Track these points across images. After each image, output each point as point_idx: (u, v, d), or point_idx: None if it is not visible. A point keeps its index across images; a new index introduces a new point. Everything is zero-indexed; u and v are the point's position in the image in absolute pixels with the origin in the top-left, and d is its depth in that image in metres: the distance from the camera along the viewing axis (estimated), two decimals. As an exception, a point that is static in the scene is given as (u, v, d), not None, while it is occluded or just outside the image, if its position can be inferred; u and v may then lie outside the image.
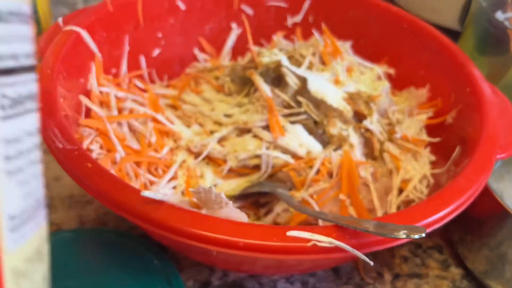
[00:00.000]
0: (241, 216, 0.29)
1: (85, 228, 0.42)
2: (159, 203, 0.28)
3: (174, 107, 0.48)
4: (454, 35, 0.53)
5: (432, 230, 0.30)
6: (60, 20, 0.45)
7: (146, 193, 0.28)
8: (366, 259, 0.28)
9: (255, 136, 0.42)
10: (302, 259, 0.28)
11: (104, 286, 0.37)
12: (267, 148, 0.41)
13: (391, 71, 0.53)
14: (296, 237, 0.27)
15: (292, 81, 0.43)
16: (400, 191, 0.42)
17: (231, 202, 0.28)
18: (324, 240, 0.27)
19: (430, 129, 0.46)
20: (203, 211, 0.29)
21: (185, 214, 0.28)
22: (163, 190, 0.39)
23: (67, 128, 0.33)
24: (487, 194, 0.37)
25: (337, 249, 0.28)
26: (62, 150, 0.32)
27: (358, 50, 0.54)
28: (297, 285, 0.39)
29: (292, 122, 0.41)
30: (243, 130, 0.43)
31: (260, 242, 0.27)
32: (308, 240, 0.27)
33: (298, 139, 0.40)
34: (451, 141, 0.43)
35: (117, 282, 0.37)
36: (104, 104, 0.44)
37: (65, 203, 0.44)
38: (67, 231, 0.41)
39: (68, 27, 0.43)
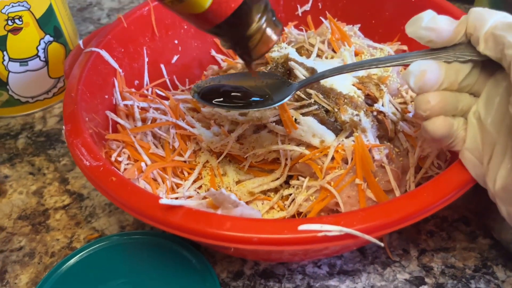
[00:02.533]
0: (255, 213, 0.31)
1: (125, 232, 0.46)
2: (178, 208, 0.31)
3: (195, 110, 0.50)
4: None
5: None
6: (80, 42, 0.49)
7: (163, 201, 0.30)
8: (376, 241, 0.29)
9: (270, 131, 0.43)
10: (315, 248, 0.30)
11: (143, 285, 0.40)
12: (282, 141, 0.42)
13: (405, 47, 0.52)
14: (307, 230, 0.29)
15: (301, 74, 0.44)
16: (419, 168, 0.42)
17: (242, 202, 0.31)
18: (334, 229, 0.29)
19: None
20: (219, 211, 0.32)
21: (201, 216, 0.30)
22: (188, 192, 0.41)
23: (92, 146, 0.36)
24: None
25: (347, 236, 0.29)
26: (89, 167, 0.35)
27: (370, 31, 0.54)
28: (324, 269, 0.41)
29: (304, 114, 0.42)
30: (260, 126, 0.44)
31: (273, 236, 0.29)
32: (318, 231, 0.29)
33: (311, 130, 0.41)
34: (467, 113, 0.43)
35: (155, 280, 0.40)
36: (130, 116, 0.47)
37: (105, 211, 0.48)
38: (110, 236, 0.44)
39: (88, 49, 0.46)
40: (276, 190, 0.44)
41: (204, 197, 0.43)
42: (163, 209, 0.31)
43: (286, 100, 0.38)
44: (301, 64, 0.45)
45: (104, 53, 0.47)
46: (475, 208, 0.44)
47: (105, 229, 0.46)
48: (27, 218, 0.48)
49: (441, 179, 0.32)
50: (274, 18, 0.33)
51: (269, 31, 0.33)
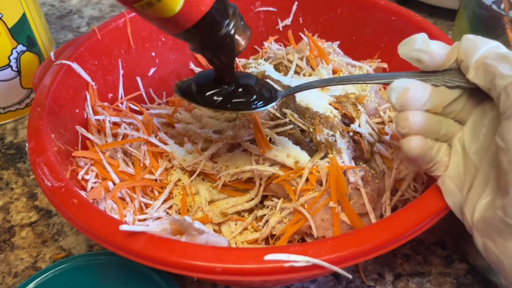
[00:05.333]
0: (221, 241, 0.30)
1: (93, 252, 0.44)
2: (140, 234, 0.30)
3: (170, 125, 0.49)
4: (455, 15, 0.51)
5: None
6: (52, 54, 0.47)
7: (124, 227, 0.29)
8: (344, 273, 0.28)
9: (245, 150, 0.42)
10: (281, 279, 0.29)
11: (113, 308, 0.39)
12: (256, 161, 0.41)
13: (385, 65, 0.52)
14: (273, 260, 0.28)
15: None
16: (396, 191, 0.42)
17: (209, 230, 0.29)
18: (301, 260, 0.28)
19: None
20: (183, 238, 0.30)
21: (164, 244, 0.29)
22: (157, 213, 0.40)
23: (55, 166, 0.35)
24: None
25: (314, 266, 0.28)
26: (50, 188, 0.33)
27: (351, 48, 0.54)
28: (297, 293, 0.40)
29: (279, 133, 0.41)
30: (234, 145, 0.43)
31: (238, 266, 0.28)
32: (285, 261, 0.28)
33: (285, 150, 0.40)
34: (445, 135, 0.42)
35: (124, 303, 0.39)
36: (101, 131, 0.45)
37: (74, 229, 0.46)
38: (76, 257, 0.42)
39: (58, 61, 0.45)
40: (250, 210, 0.43)
41: (178, 212, 0.41)
42: (124, 235, 0.29)
43: (269, 106, 0.37)
44: (277, 82, 0.44)
45: (75, 66, 0.45)
46: (451, 231, 0.43)
47: (72, 248, 0.44)
48: (-9, 236, 0.46)
49: (416, 206, 0.31)
50: (242, 23, 0.33)
51: (238, 36, 0.33)
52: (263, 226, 0.42)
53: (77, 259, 0.42)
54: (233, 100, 0.36)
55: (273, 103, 0.37)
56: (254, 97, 0.36)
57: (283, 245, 0.32)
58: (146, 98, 0.54)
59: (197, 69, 0.57)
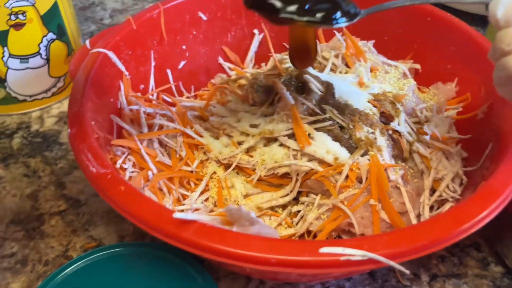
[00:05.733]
0: (272, 232, 0.30)
1: (125, 242, 0.43)
2: (191, 222, 0.29)
3: (202, 119, 0.49)
4: (483, 21, 0.51)
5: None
6: (87, 42, 0.47)
7: (178, 215, 0.28)
8: (402, 268, 0.28)
9: (282, 144, 0.42)
10: (336, 272, 0.28)
11: (145, 299, 0.38)
12: (294, 156, 0.41)
13: (417, 66, 0.52)
14: (329, 253, 0.27)
15: (316, 87, 0.43)
16: (433, 191, 0.41)
17: (261, 220, 0.29)
18: (357, 254, 0.27)
19: (460, 124, 0.45)
20: (234, 228, 0.30)
21: (217, 233, 0.29)
22: (195, 204, 0.40)
23: (99, 152, 0.35)
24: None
25: (370, 261, 0.28)
26: (96, 174, 0.33)
27: (382, 47, 0.54)
28: (333, 291, 0.40)
29: (318, 129, 0.41)
30: (270, 139, 0.43)
31: (293, 258, 0.28)
32: (341, 255, 0.27)
33: (325, 146, 0.40)
34: (483, 136, 0.42)
35: (157, 295, 0.38)
36: (135, 121, 0.45)
37: (104, 219, 0.45)
38: (107, 247, 0.42)
39: (95, 49, 0.44)
40: (283, 206, 0.43)
41: (211, 210, 0.41)
42: (176, 224, 0.29)
43: (354, 21, 0.32)
44: (315, 78, 0.44)
45: (111, 54, 0.45)
46: (487, 235, 0.43)
47: (103, 238, 0.44)
48: (20, 223, 0.45)
49: (468, 203, 0.31)
50: None
51: None
52: (297, 222, 0.42)
53: (109, 249, 0.42)
54: (315, 7, 0.31)
55: (356, 19, 0.33)
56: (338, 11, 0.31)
57: (336, 239, 0.31)
58: (175, 91, 0.54)
59: (226, 64, 0.57)
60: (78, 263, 0.41)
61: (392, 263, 0.28)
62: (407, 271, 0.28)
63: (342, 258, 0.28)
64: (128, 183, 0.32)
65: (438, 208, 0.41)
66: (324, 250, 0.28)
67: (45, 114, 0.57)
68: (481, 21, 0.46)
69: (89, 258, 0.41)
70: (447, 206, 0.40)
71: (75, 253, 0.43)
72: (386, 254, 0.28)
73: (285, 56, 0.49)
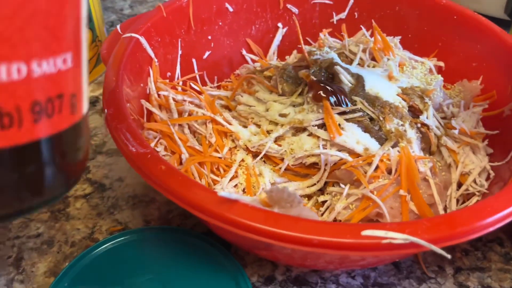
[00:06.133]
0: (313, 215, 0.30)
1: (150, 226, 0.44)
2: (234, 202, 0.29)
3: (227, 108, 0.49)
4: (499, 23, 0.52)
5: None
6: (118, 27, 0.47)
7: (223, 193, 0.29)
8: (444, 253, 0.28)
9: (311, 134, 0.42)
10: (377, 255, 0.29)
11: (172, 283, 0.38)
12: (324, 146, 0.41)
13: (441, 64, 0.52)
14: (371, 235, 0.28)
15: (346, 79, 0.43)
16: (459, 185, 0.42)
17: (303, 201, 0.29)
18: (399, 237, 0.28)
19: (486, 121, 0.46)
20: (275, 210, 0.30)
21: (260, 213, 0.29)
22: (226, 189, 0.40)
23: (137, 132, 0.35)
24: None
25: (411, 244, 0.28)
26: (135, 153, 0.33)
27: (405, 44, 0.54)
28: (358, 280, 0.40)
29: (348, 120, 0.41)
30: (299, 129, 0.43)
31: (335, 239, 0.28)
32: (383, 238, 0.28)
33: (355, 136, 0.40)
34: (510, 133, 0.43)
35: (185, 279, 0.39)
36: (162, 107, 0.45)
37: (129, 203, 0.46)
38: (134, 230, 0.42)
39: (128, 34, 0.44)
40: (309, 196, 0.43)
41: (243, 191, 0.41)
42: (219, 203, 0.29)
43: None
44: (346, 70, 0.44)
45: (143, 40, 0.45)
46: (510, 230, 0.44)
47: (128, 222, 0.44)
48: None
49: (506, 193, 0.31)
50: None
51: None
52: (323, 213, 0.42)
53: (135, 233, 0.42)
54: None
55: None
56: None
57: (377, 223, 0.32)
58: (199, 81, 0.54)
59: (249, 55, 0.57)
60: (104, 245, 0.41)
61: (433, 247, 0.28)
62: (448, 256, 0.28)
63: (384, 241, 0.28)
64: (168, 163, 0.32)
65: (464, 202, 0.42)
66: (367, 232, 0.28)
67: (67, 99, 0.57)
68: (498, 24, 0.48)
69: (116, 241, 0.42)
70: (473, 200, 0.41)
71: (101, 235, 0.43)
72: (427, 238, 0.28)
73: (313, 48, 0.49)
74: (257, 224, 0.29)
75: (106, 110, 0.37)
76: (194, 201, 0.30)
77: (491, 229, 0.30)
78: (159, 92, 0.45)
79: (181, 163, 0.40)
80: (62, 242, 0.42)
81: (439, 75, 0.47)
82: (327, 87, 0.41)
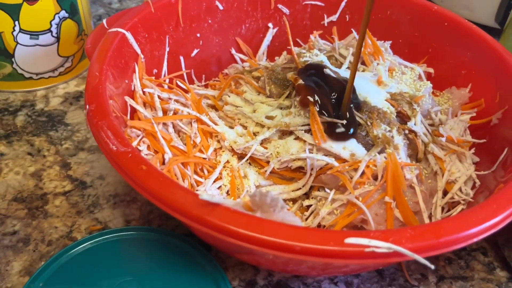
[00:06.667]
0: (296, 220, 0.30)
1: (131, 226, 0.43)
2: (215, 206, 0.29)
3: (214, 108, 0.48)
4: (489, 32, 0.52)
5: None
6: (104, 21, 0.46)
7: (204, 196, 0.28)
8: (427, 262, 0.27)
9: (297, 138, 0.42)
10: (360, 263, 0.28)
11: (151, 286, 0.37)
12: (310, 150, 0.41)
13: (431, 70, 0.52)
14: (354, 243, 0.27)
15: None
16: (445, 193, 0.42)
17: (287, 206, 0.29)
18: (383, 246, 0.27)
19: (474, 130, 0.46)
20: (258, 214, 0.29)
21: (242, 217, 0.28)
22: (210, 191, 0.39)
23: (119, 130, 0.34)
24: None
25: (395, 254, 0.28)
26: (116, 152, 0.32)
27: (396, 49, 0.54)
28: (341, 286, 0.40)
29: (336, 124, 0.41)
30: (285, 132, 0.43)
31: (318, 246, 0.27)
32: (366, 246, 0.27)
33: (341, 142, 0.40)
34: (496, 142, 0.43)
35: (164, 282, 0.38)
36: (147, 105, 0.44)
37: (110, 202, 0.45)
38: (114, 230, 0.41)
39: (114, 29, 0.43)
40: (294, 200, 0.43)
41: (227, 193, 0.41)
42: (200, 206, 0.29)
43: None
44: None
45: (129, 35, 0.44)
46: (494, 239, 0.43)
47: (108, 221, 0.43)
48: (23, 201, 0.44)
49: (493, 202, 0.31)
50: None
51: None
52: (308, 217, 0.41)
53: (115, 233, 0.41)
54: None
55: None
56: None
57: (362, 231, 0.31)
58: (187, 79, 0.53)
59: (238, 55, 0.56)
60: (83, 245, 0.40)
61: (417, 257, 0.27)
62: (432, 266, 0.28)
63: (367, 250, 0.27)
64: (150, 163, 0.31)
65: (449, 210, 0.42)
66: (350, 240, 0.28)
67: (50, 93, 0.56)
68: (488, 32, 0.47)
69: (94, 240, 0.41)
70: (458, 209, 0.41)
71: (80, 234, 0.42)
72: (411, 247, 0.28)
73: (303, 50, 0.49)
74: (238, 229, 0.28)
75: (87, 106, 0.36)
76: (174, 203, 0.29)
77: (475, 239, 0.29)
78: (144, 89, 0.44)
79: (164, 163, 0.39)
80: (38, 240, 0.41)
81: (428, 82, 0.47)
82: (315, 93, 0.41)
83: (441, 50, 0.51)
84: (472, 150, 0.44)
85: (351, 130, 0.40)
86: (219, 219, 0.28)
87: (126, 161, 0.32)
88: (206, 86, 0.55)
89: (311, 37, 0.55)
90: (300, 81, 0.42)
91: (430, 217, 0.40)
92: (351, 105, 0.41)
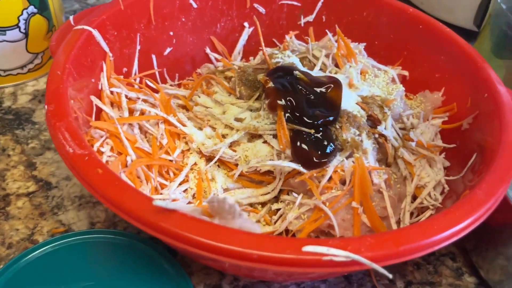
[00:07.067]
0: (255, 227, 0.29)
1: (95, 229, 0.42)
2: (171, 212, 0.28)
3: (185, 108, 0.47)
4: (468, 34, 0.52)
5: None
6: (71, 18, 0.45)
7: (158, 202, 0.27)
8: (385, 272, 0.27)
9: (266, 141, 0.41)
10: (318, 272, 0.27)
11: (114, 289, 0.37)
12: (278, 154, 0.40)
13: (405, 73, 0.52)
14: (312, 252, 0.27)
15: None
16: (414, 198, 0.41)
17: (245, 213, 0.28)
18: (341, 254, 0.27)
19: (445, 134, 0.46)
20: (216, 221, 0.29)
21: (198, 224, 0.27)
22: (174, 194, 0.38)
23: (77, 132, 0.33)
24: (504, 203, 0.37)
25: (353, 262, 0.27)
26: (72, 155, 0.31)
27: (371, 51, 0.53)
28: (307, 292, 0.39)
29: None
30: (254, 135, 0.42)
31: (275, 254, 0.27)
32: (324, 254, 0.27)
33: (310, 145, 0.39)
34: (467, 147, 0.42)
35: (127, 286, 0.37)
36: (115, 104, 0.43)
37: (75, 203, 0.43)
38: (77, 233, 0.40)
39: (79, 26, 0.42)
40: (263, 203, 0.42)
41: (189, 202, 0.40)
42: (155, 212, 0.28)
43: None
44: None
45: (96, 33, 0.43)
46: (462, 245, 0.43)
47: (72, 223, 0.42)
48: (-16, 202, 0.43)
49: (455, 210, 0.31)
50: None
51: None
52: (276, 221, 0.41)
53: (78, 236, 0.40)
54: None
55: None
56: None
57: (320, 239, 0.30)
58: (159, 78, 0.52)
59: (213, 54, 0.55)
60: (43, 248, 0.39)
61: (375, 266, 0.27)
62: (390, 275, 0.27)
63: (325, 258, 0.27)
64: (106, 167, 0.30)
65: (418, 215, 0.41)
66: (308, 248, 0.27)
67: (19, 91, 0.55)
68: (466, 35, 0.47)
69: (56, 243, 0.39)
70: (427, 214, 0.40)
71: (42, 237, 0.41)
72: (370, 256, 0.27)
73: (276, 51, 0.48)
74: (194, 236, 0.27)
75: (46, 107, 0.34)
76: (128, 209, 0.28)
77: (437, 247, 0.29)
78: (111, 89, 0.43)
79: (127, 165, 0.38)
80: (-2, 243, 0.40)
81: (401, 85, 0.46)
82: (284, 97, 0.40)
83: (416, 53, 0.51)
84: (443, 155, 0.43)
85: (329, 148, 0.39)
86: (174, 225, 0.27)
87: (82, 164, 0.31)
88: (179, 85, 0.54)
89: (287, 37, 0.55)
90: (271, 84, 0.41)
91: (398, 222, 0.40)
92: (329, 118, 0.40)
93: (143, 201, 0.28)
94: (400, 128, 0.44)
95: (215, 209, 0.29)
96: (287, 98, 0.40)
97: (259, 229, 0.29)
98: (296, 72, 0.42)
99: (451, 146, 0.43)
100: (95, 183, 0.30)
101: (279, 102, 0.40)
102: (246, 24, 0.56)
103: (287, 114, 0.40)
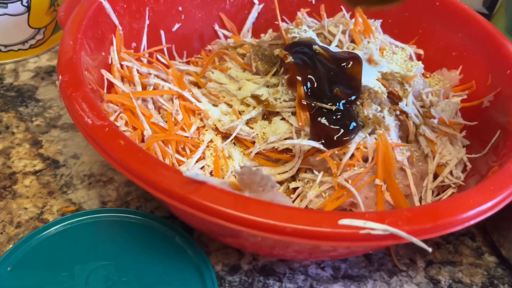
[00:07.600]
0: (287, 200, 0.28)
1: (107, 208, 0.40)
2: (200, 184, 0.27)
3: (197, 85, 0.46)
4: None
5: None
6: (79, -11, 0.43)
7: (188, 173, 0.26)
8: (424, 246, 0.26)
9: (284, 118, 0.40)
10: (353, 246, 0.26)
11: (128, 270, 0.35)
12: (297, 132, 0.39)
13: (420, 52, 0.51)
14: (349, 225, 0.26)
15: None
16: (435, 176, 0.40)
17: (277, 185, 0.27)
18: (379, 228, 0.26)
19: (464, 112, 0.45)
20: (246, 194, 0.27)
21: (229, 197, 0.26)
22: (192, 171, 0.37)
23: (95, 102, 0.31)
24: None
25: (391, 236, 0.26)
26: (91, 126, 0.29)
27: (385, 30, 0.52)
28: (328, 271, 0.38)
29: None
30: (272, 112, 0.41)
31: (310, 228, 0.26)
32: (361, 228, 0.26)
33: (331, 122, 0.38)
34: (487, 125, 0.41)
35: (143, 267, 0.35)
36: (125, 80, 0.42)
37: (85, 182, 0.42)
38: (88, 212, 0.39)
39: (89, -3, 0.40)
40: (280, 182, 0.41)
41: (210, 174, 0.39)
42: (184, 184, 0.26)
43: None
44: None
45: (106, 4, 0.41)
46: (481, 225, 0.43)
47: (83, 202, 0.40)
48: (-11, 180, 0.41)
49: (488, 184, 0.30)
50: None
51: None
52: (294, 199, 0.40)
53: (90, 214, 0.39)
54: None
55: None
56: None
57: (356, 212, 0.29)
58: (167, 54, 0.50)
59: (222, 31, 0.54)
60: (54, 227, 0.38)
61: (414, 239, 0.26)
62: (430, 249, 0.26)
63: (362, 232, 0.26)
64: (128, 138, 0.29)
65: (438, 194, 0.40)
66: (344, 222, 0.26)
67: (20, 67, 0.53)
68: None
69: (67, 222, 0.38)
70: (448, 192, 0.40)
71: (52, 216, 0.39)
72: (407, 230, 0.26)
73: (291, 26, 0.46)
74: (225, 209, 0.26)
75: (60, 77, 0.33)
76: (155, 181, 0.27)
77: (473, 221, 0.28)
78: (122, 63, 0.41)
79: (143, 141, 0.37)
80: (6, 222, 0.38)
81: (420, 62, 0.45)
82: (305, 73, 0.38)
83: (432, 31, 0.50)
84: (463, 133, 0.43)
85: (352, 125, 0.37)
86: (205, 198, 0.26)
87: (103, 135, 0.29)
88: (187, 63, 0.52)
89: (299, 14, 0.53)
90: (290, 59, 0.40)
91: (420, 200, 0.39)
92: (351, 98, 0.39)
93: (170, 173, 0.27)
94: (420, 106, 0.43)
95: (244, 182, 0.28)
96: (307, 74, 0.39)
97: (291, 203, 0.28)
98: (316, 47, 0.41)
99: (473, 123, 0.42)
100: (118, 155, 0.28)
101: (298, 78, 0.39)
102: (256, 0, 0.55)
103: (308, 90, 0.38)
